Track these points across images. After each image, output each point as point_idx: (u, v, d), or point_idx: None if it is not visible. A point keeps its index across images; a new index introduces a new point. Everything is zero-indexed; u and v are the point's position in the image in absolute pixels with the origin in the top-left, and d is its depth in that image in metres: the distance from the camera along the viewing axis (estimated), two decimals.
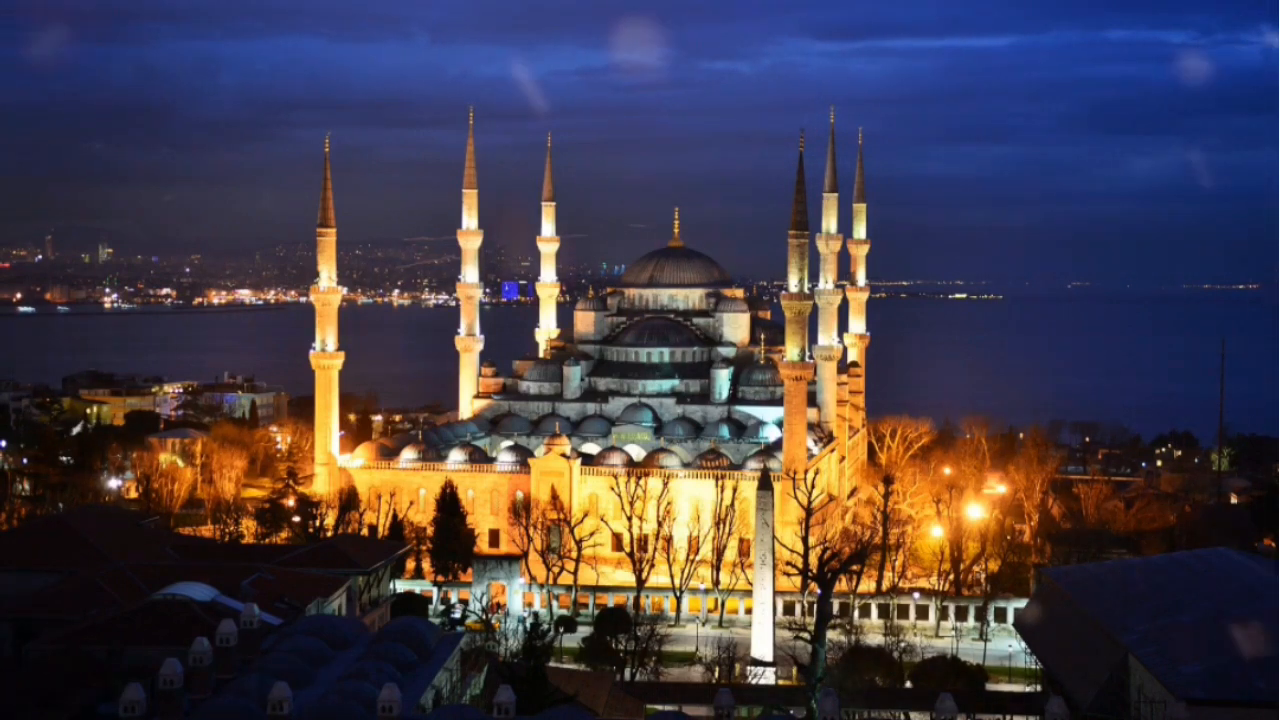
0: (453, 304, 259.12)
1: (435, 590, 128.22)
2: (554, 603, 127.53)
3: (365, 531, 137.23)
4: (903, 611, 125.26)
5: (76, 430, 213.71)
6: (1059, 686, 76.98)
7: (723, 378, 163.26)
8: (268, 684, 55.75)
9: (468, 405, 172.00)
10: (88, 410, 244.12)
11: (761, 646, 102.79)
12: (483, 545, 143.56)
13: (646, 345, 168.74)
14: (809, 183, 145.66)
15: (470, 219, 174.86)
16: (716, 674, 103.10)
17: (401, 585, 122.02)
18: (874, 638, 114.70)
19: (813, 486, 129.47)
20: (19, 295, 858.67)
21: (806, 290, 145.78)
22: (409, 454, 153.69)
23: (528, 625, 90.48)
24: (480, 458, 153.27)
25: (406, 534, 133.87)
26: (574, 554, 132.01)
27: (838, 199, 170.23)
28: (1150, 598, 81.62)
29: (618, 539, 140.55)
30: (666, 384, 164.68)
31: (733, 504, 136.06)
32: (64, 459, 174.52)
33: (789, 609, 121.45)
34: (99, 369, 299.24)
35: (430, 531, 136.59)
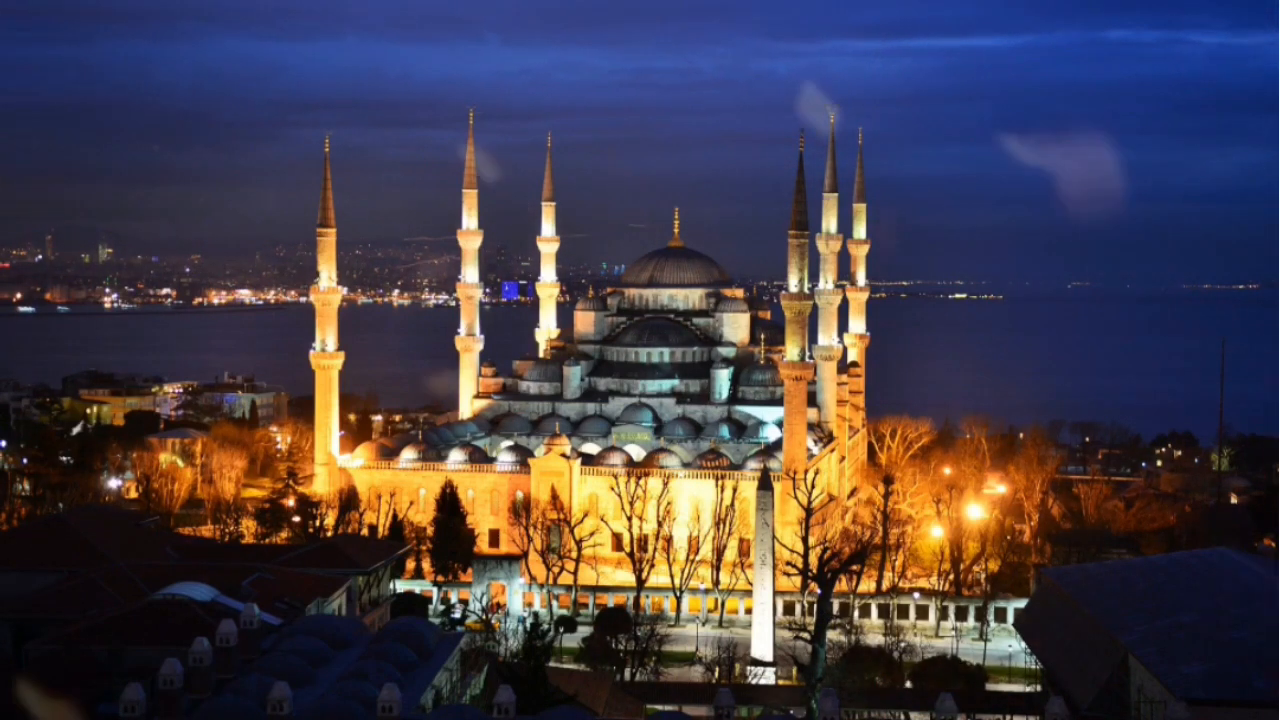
0: (453, 304, 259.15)
1: (435, 590, 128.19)
2: (554, 603, 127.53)
3: (365, 531, 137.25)
4: (903, 611, 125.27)
5: (76, 430, 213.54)
6: (1059, 686, 76.99)
7: (723, 378, 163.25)
8: (268, 684, 55.80)
9: (468, 405, 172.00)
10: (88, 410, 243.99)
11: (761, 646, 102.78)
12: (483, 545, 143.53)
13: (646, 345, 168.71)
14: (809, 183, 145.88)
15: (470, 219, 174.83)
16: (716, 674, 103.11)
17: (401, 585, 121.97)
18: (874, 638, 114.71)
19: (813, 486, 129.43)
20: (19, 295, 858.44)
21: (806, 290, 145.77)
22: (409, 454, 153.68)
23: (528, 625, 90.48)
24: (480, 458, 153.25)
25: (406, 534, 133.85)
26: (574, 554, 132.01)
27: (838, 199, 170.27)
28: (1150, 598, 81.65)
29: (618, 539, 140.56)
30: (666, 384, 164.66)
31: (733, 504, 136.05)
32: (64, 459, 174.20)
33: (789, 609, 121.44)
34: (99, 369, 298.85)
35: (430, 531, 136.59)
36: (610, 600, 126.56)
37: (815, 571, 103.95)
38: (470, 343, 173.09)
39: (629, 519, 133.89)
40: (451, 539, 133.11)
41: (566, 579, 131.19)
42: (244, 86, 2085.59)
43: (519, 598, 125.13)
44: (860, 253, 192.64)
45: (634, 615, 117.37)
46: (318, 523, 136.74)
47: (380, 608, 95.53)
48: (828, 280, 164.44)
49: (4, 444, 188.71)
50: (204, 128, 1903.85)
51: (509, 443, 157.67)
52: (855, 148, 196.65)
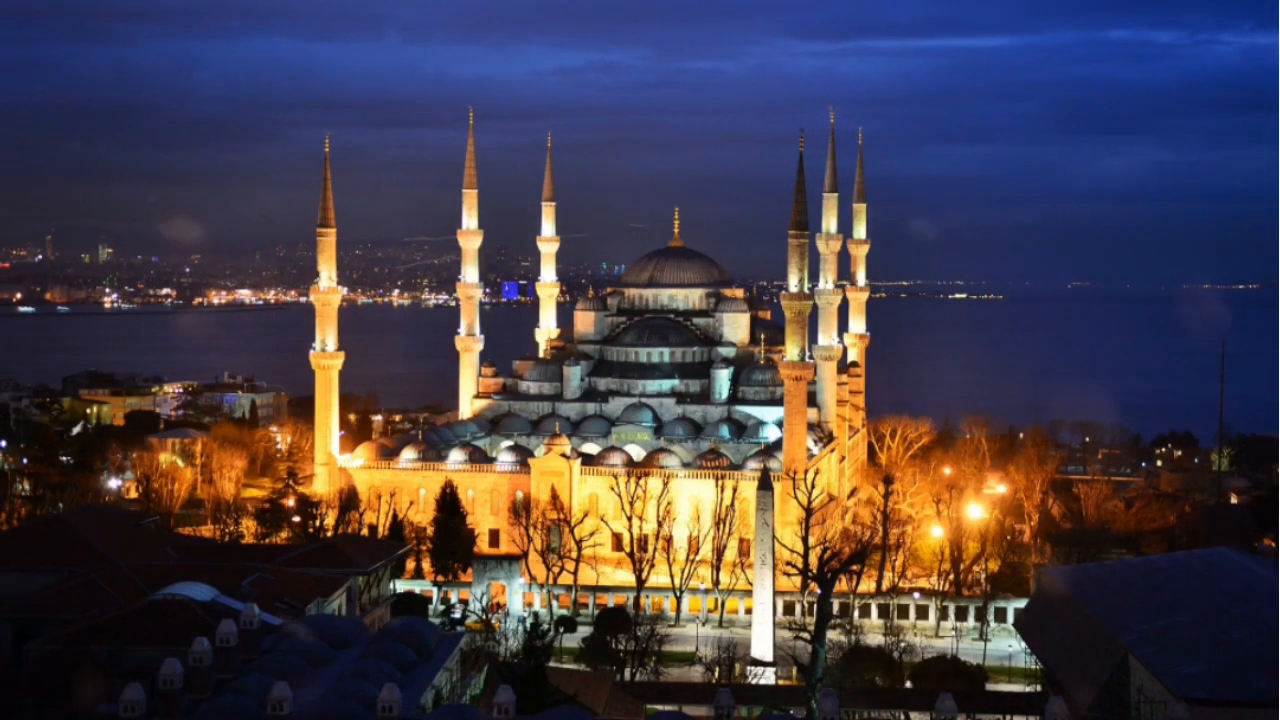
0: (453, 304, 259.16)
1: (435, 590, 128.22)
2: (554, 603, 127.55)
3: (365, 531, 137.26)
4: (903, 611, 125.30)
5: (76, 430, 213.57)
6: (1059, 686, 77.00)
7: (723, 378, 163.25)
8: (268, 684, 55.80)
9: (468, 405, 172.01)
10: (88, 410, 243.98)
11: (761, 646, 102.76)
12: (483, 545, 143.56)
13: (646, 345, 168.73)
14: (809, 183, 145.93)
15: (470, 219, 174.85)
16: (716, 674, 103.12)
17: (401, 585, 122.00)
18: (874, 638, 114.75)
19: (813, 486, 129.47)
20: (19, 295, 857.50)
21: (806, 290, 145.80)
22: (409, 454, 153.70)
23: (528, 625, 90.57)
24: (480, 458, 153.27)
25: (406, 534, 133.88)
26: (574, 554, 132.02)
27: (838, 199, 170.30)
28: (1150, 598, 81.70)
29: (618, 539, 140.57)
30: (666, 384, 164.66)
31: (733, 504, 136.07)
32: (64, 459, 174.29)
33: (789, 609, 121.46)
34: (99, 369, 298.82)
35: (430, 531, 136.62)
36: (610, 600, 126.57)
37: (815, 571, 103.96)
38: (470, 343, 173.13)
39: (629, 519, 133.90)
40: (451, 539, 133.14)
41: (566, 579, 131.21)
42: (243, 86, 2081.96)
43: (519, 598, 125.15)
44: (860, 253, 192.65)
45: (634, 615, 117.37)
46: (318, 523, 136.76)
47: (380, 608, 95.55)
48: (828, 280, 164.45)
49: (4, 444, 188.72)
50: (204, 127, 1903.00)
51: (509, 443, 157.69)
52: (855, 148, 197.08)
